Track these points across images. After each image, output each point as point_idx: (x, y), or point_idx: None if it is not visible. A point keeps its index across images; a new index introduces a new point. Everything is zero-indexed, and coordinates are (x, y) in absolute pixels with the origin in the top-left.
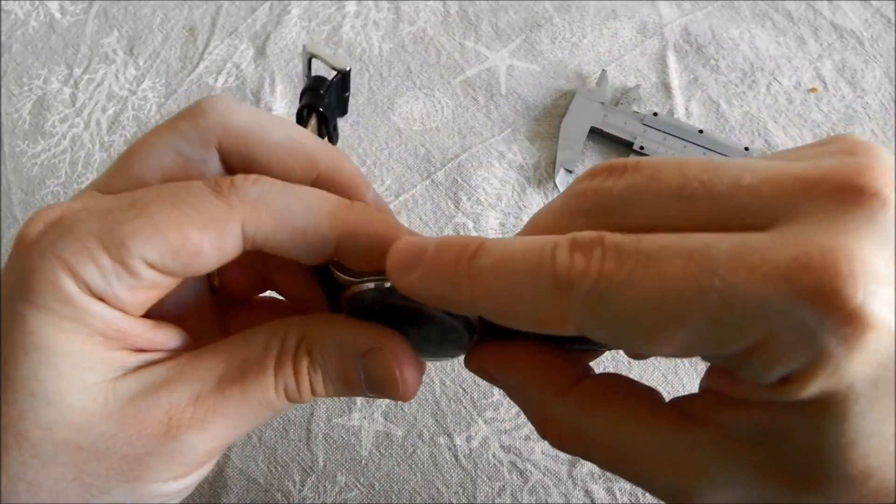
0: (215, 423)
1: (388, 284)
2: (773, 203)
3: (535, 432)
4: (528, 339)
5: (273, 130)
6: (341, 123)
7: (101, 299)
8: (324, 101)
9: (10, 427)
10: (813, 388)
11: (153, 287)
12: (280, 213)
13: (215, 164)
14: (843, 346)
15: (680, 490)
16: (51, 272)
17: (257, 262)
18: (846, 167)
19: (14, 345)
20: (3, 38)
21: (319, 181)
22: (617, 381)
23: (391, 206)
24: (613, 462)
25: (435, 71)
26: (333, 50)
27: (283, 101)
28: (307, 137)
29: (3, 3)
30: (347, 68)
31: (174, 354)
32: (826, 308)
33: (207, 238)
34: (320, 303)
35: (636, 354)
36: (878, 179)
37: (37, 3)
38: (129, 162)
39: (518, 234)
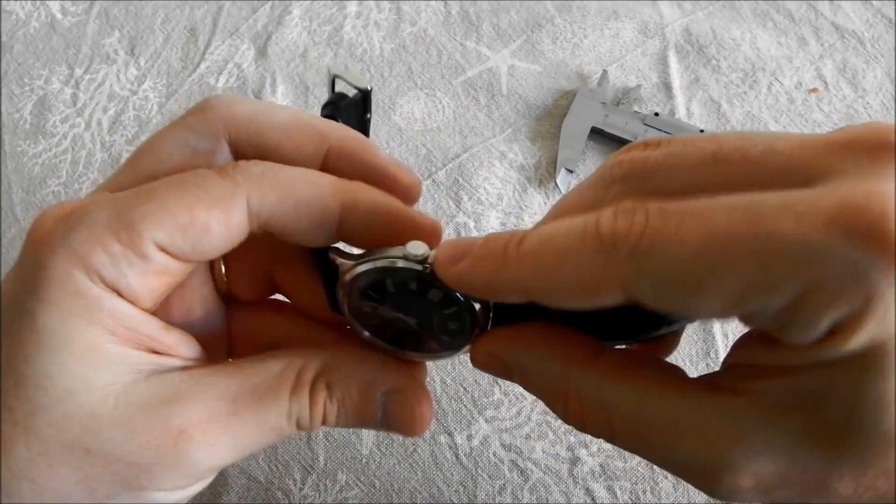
0: (224, 443)
1: (399, 264)
2: (809, 163)
3: (537, 430)
4: (546, 320)
5: (278, 113)
6: None
7: (114, 289)
8: (343, 115)
9: (21, 422)
10: (862, 337)
11: (163, 272)
12: (283, 185)
13: (225, 155)
14: (894, 286)
15: (711, 462)
16: (61, 265)
17: (262, 263)
18: (875, 128)
19: (25, 341)
20: (4, 39)
21: (331, 154)
22: (640, 355)
23: None
24: (638, 434)
25: (436, 71)
26: (335, 50)
27: (285, 102)
28: (312, 116)
29: (4, 3)
30: (369, 88)
31: (187, 364)
32: (877, 247)
33: (214, 215)
34: (322, 301)
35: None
36: (878, 132)
37: (38, 3)
38: (139, 160)
39: (549, 212)
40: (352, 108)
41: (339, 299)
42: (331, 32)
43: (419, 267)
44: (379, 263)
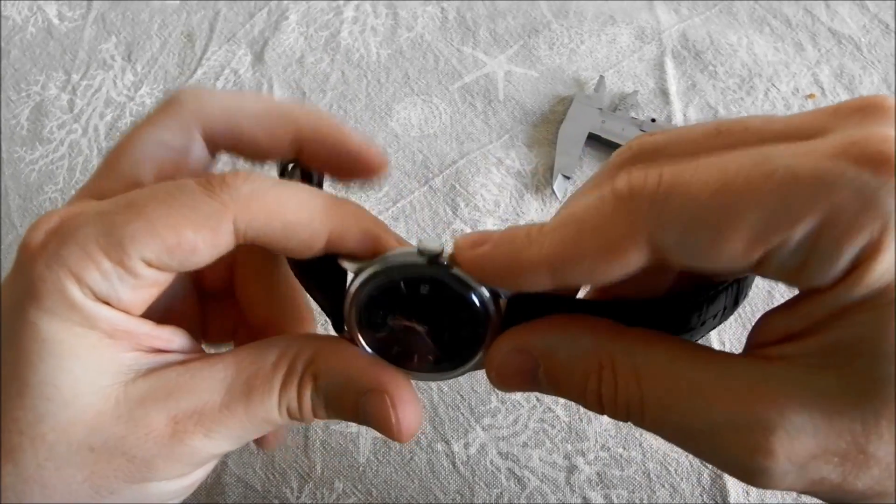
0: (219, 432)
1: (414, 259)
2: (807, 125)
3: (534, 439)
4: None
5: (250, 103)
6: None
7: (106, 302)
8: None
9: (27, 431)
10: (883, 268)
11: (153, 285)
12: (272, 207)
13: (200, 150)
14: None
15: (746, 423)
16: (57, 280)
17: (228, 259)
18: (860, 97)
19: (29, 351)
20: (1, 44)
21: (305, 140)
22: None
23: (389, 213)
24: (670, 401)
25: (433, 77)
26: (331, 55)
27: None
28: (283, 102)
29: (0, 8)
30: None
31: (184, 357)
32: (885, 171)
33: (201, 236)
34: (272, 310)
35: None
36: (889, 99)
37: (35, 8)
38: (116, 161)
39: (560, 208)
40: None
41: (346, 310)
42: (327, 38)
43: (435, 262)
44: (396, 261)
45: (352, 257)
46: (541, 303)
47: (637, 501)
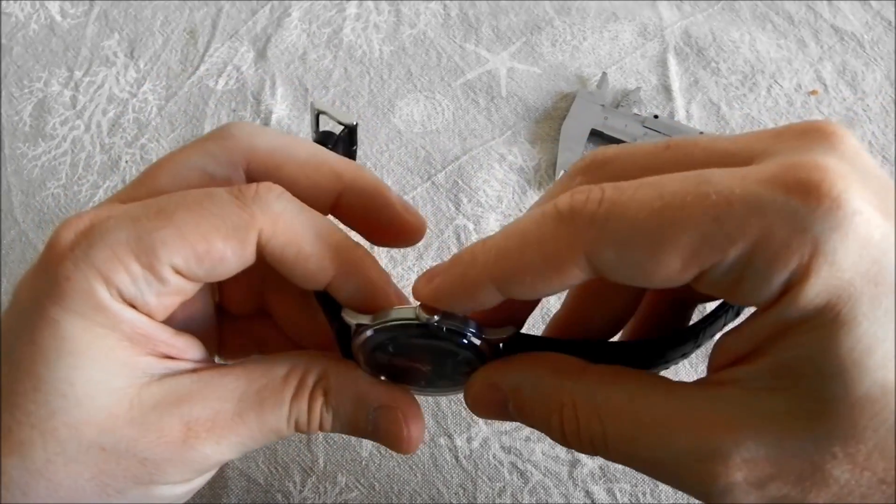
0: (229, 440)
1: (411, 323)
2: (750, 146)
3: (536, 433)
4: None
5: (298, 148)
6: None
7: (131, 304)
8: (332, 144)
9: (38, 425)
10: (816, 288)
11: (178, 292)
12: (293, 232)
13: (240, 183)
14: (836, 232)
15: (702, 453)
16: (84, 280)
17: (256, 283)
18: (805, 122)
19: (48, 348)
20: (3, 41)
21: (345, 192)
22: (625, 367)
23: None
24: (631, 436)
25: (435, 73)
26: (334, 52)
27: (284, 104)
28: (330, 154)
29: (3, 5)
30: (354, 123)
31: (196, 366)
32: (814, 197)
33: (230, 246)
34: (311, 328)
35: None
36: (832, 125)
37: (37, 5)
38: (153, 177)
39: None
40: (339, 143)
41: (354, 351)
42: (330, 35)
43: (431, 324)
44: (393, 324)
45: (353, 307)
46: (527, 342)
47: (640, 495)
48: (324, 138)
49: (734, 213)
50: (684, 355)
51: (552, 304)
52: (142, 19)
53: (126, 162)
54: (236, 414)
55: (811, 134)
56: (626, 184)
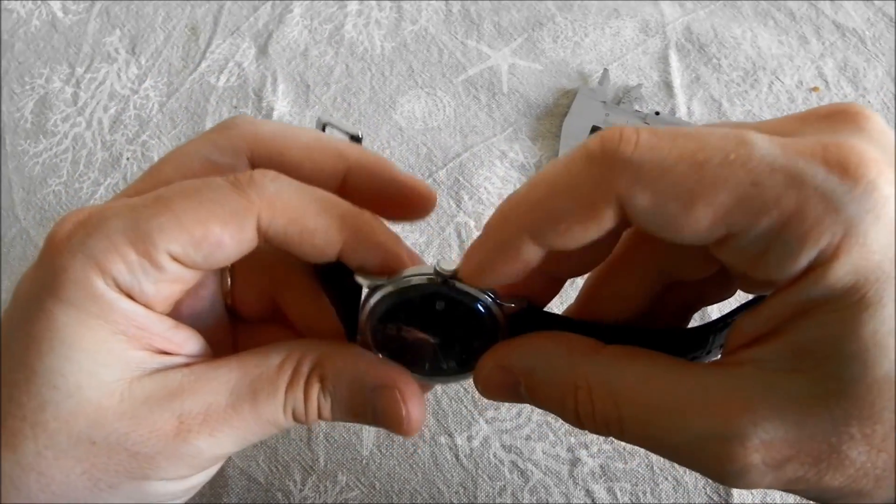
0: (224, 433)
1: (428, 280)
2: (779, 127)
3: (537, 432)
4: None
5: (299, 133)
6: (343, 123)
7: (128, 294)
8: None
9: (29, 417)
10: (847, 266)
11: (176, 281)
12: (294, 209)
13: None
14: (870, 214)
15: (719, 434)
16: (80, 270)
17: (266, 283)
18: (830, 105)
19: (40, 339)
20: (5, 37)
21: (350, 173)
22: (640, 348)
23: None
24: (646, 417)
25: (437, 70)
26: (335, 49)
27: (286, 101)
28: (332, 137)
29: (5, 1)
30: (360, 134)
31: (190, 361)
32: (852, 178)
33: (228, 231)
34: (326, 324)
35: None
36: (858, 106)
37: (39, 2)
38: (161, 170)
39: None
40: None
41: (361, 322)
42: (332, 31)
43: (449, 280)
44: (411, 281)
45: (366, 272)
46: (541, 320)
47: (640, 494)
48: None
49: (774, 181)
50: (695, 358)
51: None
52: (143, 15)
53: (127, 159)
54: (229, 406)
55: (838, 116)
56: (663, 131)
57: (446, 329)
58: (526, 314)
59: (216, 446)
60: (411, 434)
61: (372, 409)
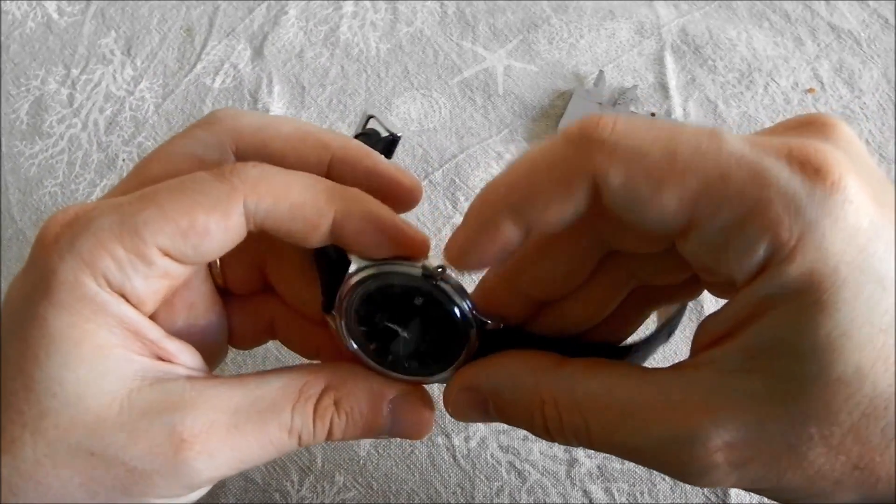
0: (224, 455)
1: (415, 273)
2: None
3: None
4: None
5: (283, 124)
6: (339, 125)
7: (120, 293)
8: (373, 141)
9: (30, 424)
10: (802, 265)
11: (166, 275)
12: (279, 188)
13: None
14: (828, 218)
15: (682, 436)
16: (69, 270)
17: (255, 258)
18: (800, 115)
19: (37, 346)
20: (0, 39)
21: (334, 162)
22: (601, 359)
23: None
24: (612, 425)
25: (432, 71)
26: (331, 50)
27: (281, 102)
28: (315, 126)
29: (0, 3)
30: (400, 135)
31: (190, 374)
32: (815, 177)
33: (213, 218)
34: (313, 296)
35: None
36: (828, 116)
37: (34, 3)
38: (147, 167)
39: None
40: (380, 145)
41: (339, 299)
42: (327, 33)
43: (433, 280)
44: (396, 269)
45: (360, 254)
46: (514, 339)
47: (638, 494)
48: (370, 133)
49: (740, 174)
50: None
51: None
52: (139, 17)
53: (123, 160)
54: (233, 425)
55: (808, 126)
56: (640, 120)
57: (419, 326)
58: (500, 333)
59: (214, 468)
60: (424, 436)
61: (389, 420)
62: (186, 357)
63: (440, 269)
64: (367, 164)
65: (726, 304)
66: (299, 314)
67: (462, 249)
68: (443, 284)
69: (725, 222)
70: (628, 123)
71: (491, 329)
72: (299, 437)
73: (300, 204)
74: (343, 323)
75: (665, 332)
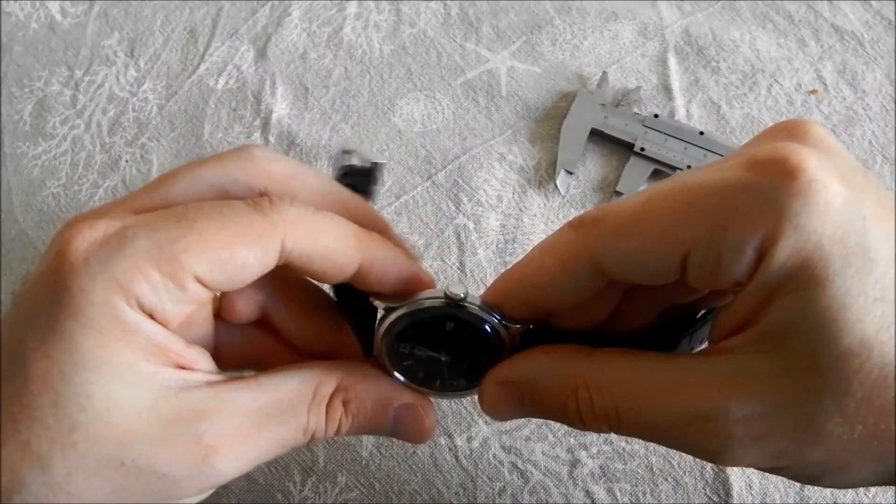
0: (245, 455)
1: (440, 304)
2: (735, 150)
3: (536, 432)
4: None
5: (310, 178)
6: (342, 126)
7: (149, 314)
8: (355, 182)
9: (59, 439)
10: (787, 248)
11: (194, 301)
12: (315, 232)
13: None
14: (797, 199)
15: (706, 412)
16: (101, 293)
17: (258, 292)
18: (788, 120)
19: (64, 363)
20: (3, 40)
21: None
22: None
23: (392, 208)
24: (640, 405)
25: (436, 72)
26: (334, 52)
27: (284, 103)
28: (339, 186)
29: (3, 4)
30: (380, 162)
31: (209, 378)
32: (774, 172)
33: (253, 253)
34: (315, 332)
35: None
36: (800, 121)
37: (37, 4)
38: (170, 185)
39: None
40: (360, 177)
41: (377, 341)
42: (330, 34)
43: (459, 300)
44: (425, 304)
45: (382, 296)
46: (542, 335)
47: (640, 495)
48: (347, 171)
49: (706, 196)
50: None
51: None
52: (142, 18)
53: (126, 161)
54: (253, 428)
55: (777, 132)
56: (622, 198)
57: (456, 347)
58: (529, 333)
59: (236, 468)
60: (426, 442)
61: (392, 424)
62: (204, 363)
63: (462, 297)
64: (378, 231)
65: (736, 299)
66: (291, 348)
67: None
68: (468, 307)
69: (710, 243)
70: (613, 203)
71: (520, 331)
72: (313, 436)
73: (333, 248)
74: (386, 359)
75: (687, 332)
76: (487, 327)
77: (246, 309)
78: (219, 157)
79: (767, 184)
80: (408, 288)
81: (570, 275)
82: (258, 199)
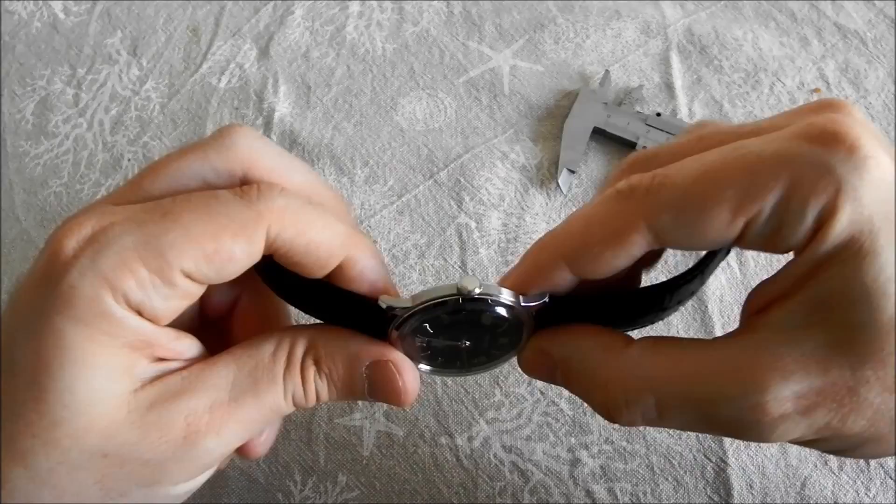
0: (230, 428)
1: (454, 299)
2: (775, 123)
3: (537, 433)
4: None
5: (294, 172)
6: (344, 124)
7: (137, 311)
8: None
9: (41, 435)
10: (844, 220)
11: (185, 296)
12: (302, 224)
13: None
14: (856, 172)
15: (756, 394)
16: (90, 288)
17: (236, 283)
18: (816, 100)
19: (51, 357)
20: (6, 39)
21: None
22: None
23: (394, 206)
24: (683, 391)
25: (438, 71)
26: (337, 50)
27: (287, 102)
28: (322, 182)
29: (6, 3)
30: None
31: (186, 364)
32: (834, 144)
33: (239, 244)
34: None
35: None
36: (840, 100)
37: (40, 3)
38: (153, 180)
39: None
40: None
41: (391, 340)
42: (333, 32)
43: (471, 294)
44: (439, 301)
45: (388, 296)
46: (565, 305)
47: (641, 495)
48: None
49: (767, 166)
50: (654, 317)
51: None
52: (144, 17)
53: (128, 160)
54: (232, 400)
55: (823, 108)
56: (672, 164)
57: (476, 334)
58: (550, 307)
59: (223, 444)
60: (407, 405)
61: (369, 384)
62: (192, 352)
63: (476, 292)
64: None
65: (783, 269)
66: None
67: (514, 286)
68: (479, 294)
69: (772, 210)
70: (664, 170)
71: (539, 307)
72: (294, 400)
73: (317, 242)
74: (401, 350)
75: (699, 276)
76: (507, 313)
77: (221, 302)
78: (200, 144)
79: (828, 155)
80: (373, 295)
81: (627, 244)
82: (246, 187)
